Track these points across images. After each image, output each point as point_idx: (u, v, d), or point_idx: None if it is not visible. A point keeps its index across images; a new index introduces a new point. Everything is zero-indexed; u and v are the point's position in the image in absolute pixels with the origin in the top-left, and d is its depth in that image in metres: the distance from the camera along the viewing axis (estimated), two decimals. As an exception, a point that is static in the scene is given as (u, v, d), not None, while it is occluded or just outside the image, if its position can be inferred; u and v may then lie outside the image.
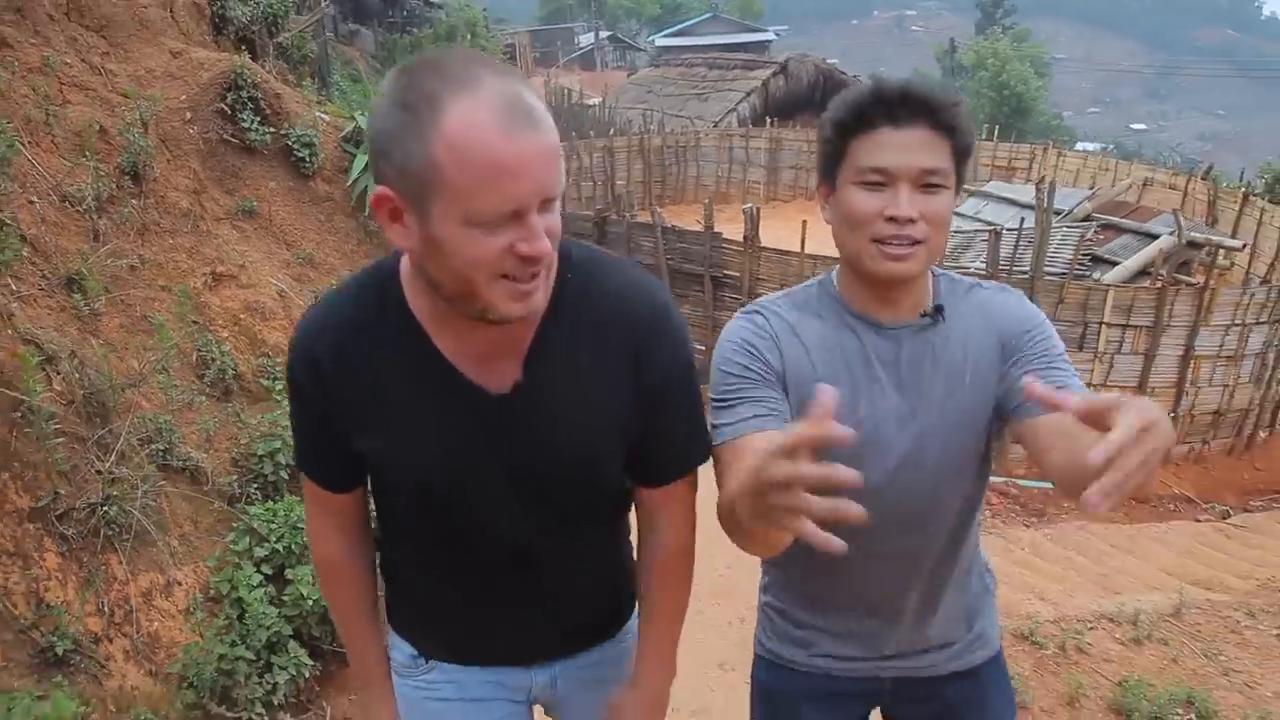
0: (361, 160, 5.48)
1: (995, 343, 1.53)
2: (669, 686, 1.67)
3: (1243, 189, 13.57)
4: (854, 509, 0.96)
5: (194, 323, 4.26)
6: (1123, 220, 9.27)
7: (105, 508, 3.03)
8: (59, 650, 2.60)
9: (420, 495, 1.41)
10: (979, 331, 1.54)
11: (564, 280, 1.34)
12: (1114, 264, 9.43)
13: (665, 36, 48.40)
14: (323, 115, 5.74)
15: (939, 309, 1.53)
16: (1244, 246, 11.10)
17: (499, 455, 1.37)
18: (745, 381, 1.52)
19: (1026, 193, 12.96)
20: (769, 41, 47.86)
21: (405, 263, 1.32)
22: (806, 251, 8.78)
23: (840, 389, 1.31)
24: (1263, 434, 9.55)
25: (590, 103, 30.47)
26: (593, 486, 1.46)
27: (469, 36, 26.25)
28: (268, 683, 3.13)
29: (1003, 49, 41.28)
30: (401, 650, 1.63)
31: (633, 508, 1.59)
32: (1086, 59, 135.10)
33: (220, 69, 5.05)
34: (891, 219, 1.40)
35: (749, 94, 25.08)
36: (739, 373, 1.53)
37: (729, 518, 1.26)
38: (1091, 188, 16.06)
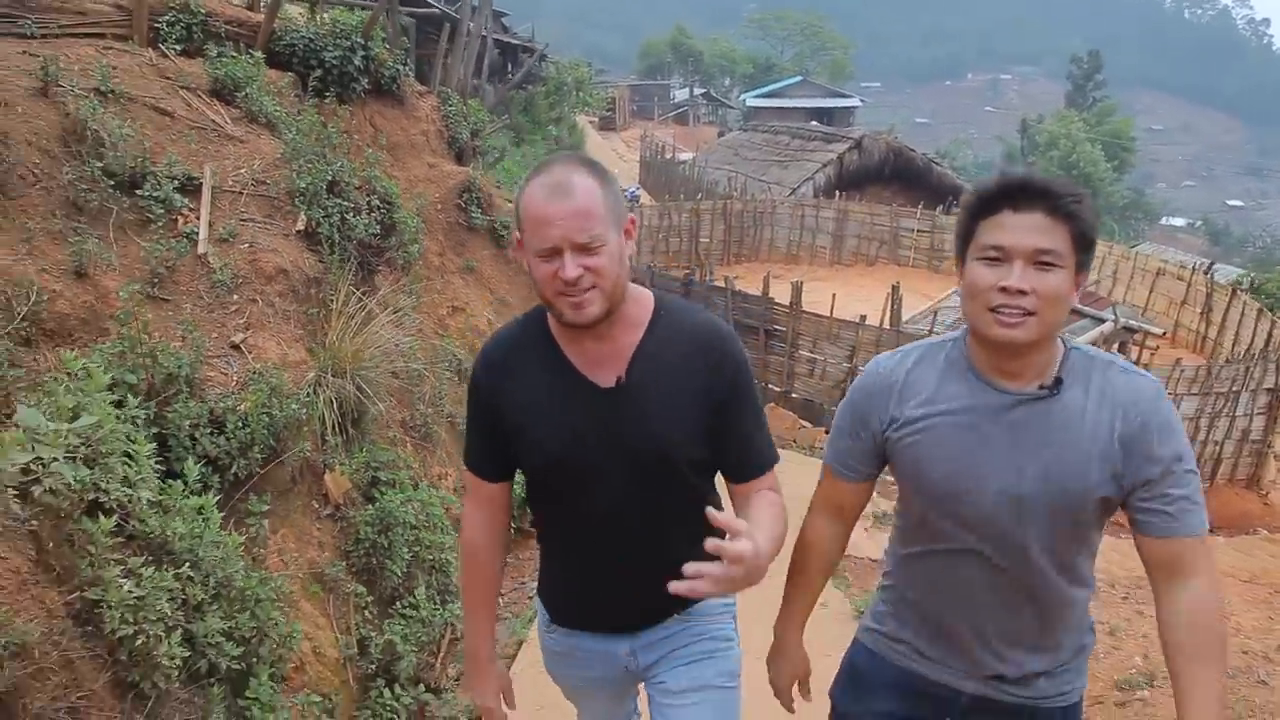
0: (536, 238, 8.38)
1: (1109, 431, 1.59)
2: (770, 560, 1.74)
3: (1233, 285, 15.89)
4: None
5: (440, 335, 7.20)
6: (1083, 307, 11.60)
7: (424, 428, 5.94)
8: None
9: (549, 466, 1.83)
10: (1098, 413, 1.61)
11: (658, 314, 1.82)
12: (1067, 340, 11.30)
13: (756, 96, 50.42)
14: (512, 205, 8.73)
15: (1058, 382, 1.62)
16: (1164, 334, 13.56)
17: (605, 433, 1.78)
18: (845, 426, 1.85)
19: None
20: (855, 107, 49.61)
21: None
22: (836, 316, 11.11)
23: (949, 434, 1.69)
24: (1203, 485, 11.64)
25: (682, 159, 32.21)
26: (670, 461, 1.81)
27: (576, 92, 28.22)
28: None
29: (1076, 130, 42.36)
30: (544, 613, 2.07)
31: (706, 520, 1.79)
32: (1184, 131, 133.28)
33: (460, 179, 8.04)
34: (1004, 289, 1.54)
35: (825, 165, 26.48)
36: (844, 417, 1.86)
37: (798, 551, 1.92)
38: (1113, 273, 18.43)
